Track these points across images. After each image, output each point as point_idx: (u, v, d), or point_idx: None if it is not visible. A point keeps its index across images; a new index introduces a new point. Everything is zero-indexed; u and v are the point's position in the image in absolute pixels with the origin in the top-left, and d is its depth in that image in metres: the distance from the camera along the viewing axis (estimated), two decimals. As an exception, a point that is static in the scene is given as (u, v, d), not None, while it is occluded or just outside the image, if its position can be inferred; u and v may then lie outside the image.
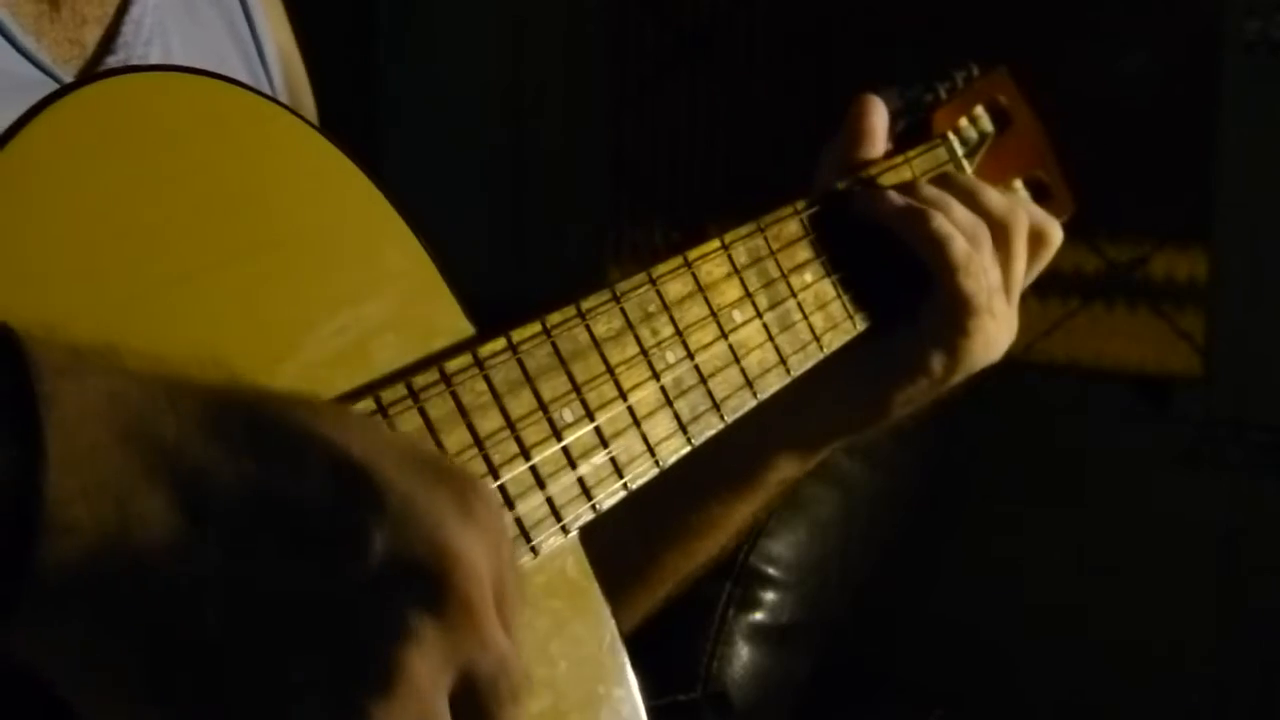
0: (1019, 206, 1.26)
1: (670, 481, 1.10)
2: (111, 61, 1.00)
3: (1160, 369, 2.87)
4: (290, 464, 0.65)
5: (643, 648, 1.03)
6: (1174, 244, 2.85)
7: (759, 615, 2.37)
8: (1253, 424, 2.74)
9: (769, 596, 2.38)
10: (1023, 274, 1.26)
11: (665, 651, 2.11)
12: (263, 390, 0.69)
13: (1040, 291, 2.86)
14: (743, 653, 2.34)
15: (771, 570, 2.39)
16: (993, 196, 1.24)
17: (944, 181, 1.25)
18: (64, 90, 0.79)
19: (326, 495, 0.65)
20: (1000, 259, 1.23)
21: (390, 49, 3.24)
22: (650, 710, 1.00)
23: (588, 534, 0.98)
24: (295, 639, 0.64)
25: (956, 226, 1.20)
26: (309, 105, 1.21)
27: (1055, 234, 1.29)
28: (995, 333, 1.23)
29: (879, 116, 1.28)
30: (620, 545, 1.19)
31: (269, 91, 1.12)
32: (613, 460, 0.99)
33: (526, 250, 3.18)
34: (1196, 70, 2.76)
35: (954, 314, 1.21)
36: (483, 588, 0.67)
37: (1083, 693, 2.84)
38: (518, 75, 3.19)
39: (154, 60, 1.02)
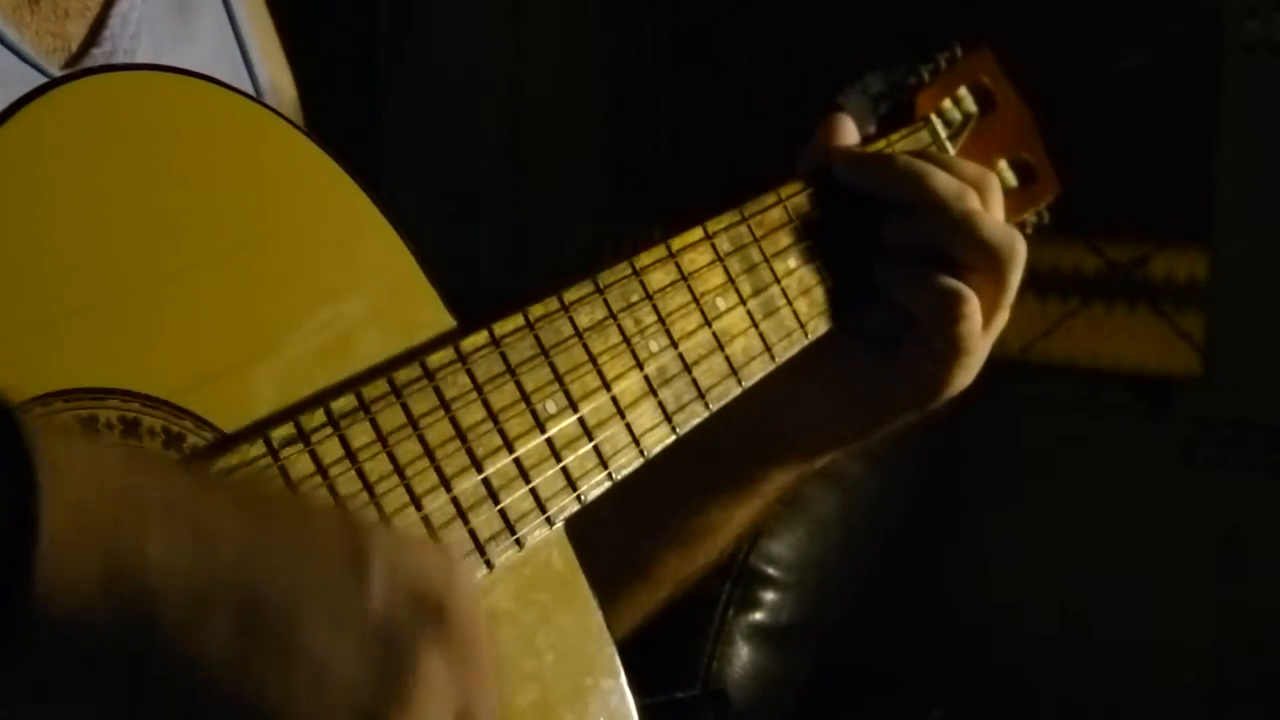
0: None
1: (671, 487, 1.11)
2: (96, 55, 1.00)
3: (1160, 369, 2.86)
4: (280, 517, 0.66)
5: (642, 646, 1.04)
6: (1174, 244, 2.84)
7: (759, 615, 2.37)
8: (1253, 424, 2.74)
9: (769, 596, 2.38)
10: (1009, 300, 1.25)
11: (665, 650, 2.10)
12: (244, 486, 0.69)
13: (1040, 291, 2.89)
14: (743, 652, 2.34)
15: (771, 570, 2.39)
16: (969, 168, 1.23)
17: (924, 157, 1.25)
18: (45, 87, 0.79)
19: (325, 535, 0.67)
20: (992, 293, 1.22)
21: (390, 49, 3.25)
22: (649, 709, 1.00)
23: (590, 535, 0.99)
24: (314, 659, 0.65)
25: (940, 192, 1.19)
26: (291, 103, 1.21)
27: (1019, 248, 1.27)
28: (976, 362, 1.22)
29: (848, 138, 1.27)
30: (621, 547, 1.20)
31: (252, 90, 1.13)
32: (597, 451, 0.99)
33: (526, 250, 3.18)
34: (1196, 70, 2.76)
35: (945, 355, 1.20)
36: (477, 621, 0.69)
37: (1082, 693, 2.84)
38: (517, 75, 3.19)
39: (140, 56, 1.02)
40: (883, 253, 1.21)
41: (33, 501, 0.60)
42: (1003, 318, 1.22)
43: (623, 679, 1.00)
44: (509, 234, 3.21)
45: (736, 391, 1.10)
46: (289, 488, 0.80)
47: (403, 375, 0.90)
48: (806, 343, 1.17)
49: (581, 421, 0.98)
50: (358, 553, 0.67)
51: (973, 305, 1.18)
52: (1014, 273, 1.21)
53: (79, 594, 0.61)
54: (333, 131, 0.92)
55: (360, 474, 0.86)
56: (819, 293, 1.19)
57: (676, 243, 1.09)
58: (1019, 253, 1.21)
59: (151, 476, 0.65)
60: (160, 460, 0.66)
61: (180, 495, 0.64)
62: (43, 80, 0.92)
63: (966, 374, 1.22)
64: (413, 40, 3.23)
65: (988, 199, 1.21)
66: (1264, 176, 2.69)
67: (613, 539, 1.03)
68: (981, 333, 1.20)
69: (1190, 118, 2.77)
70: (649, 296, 1.05)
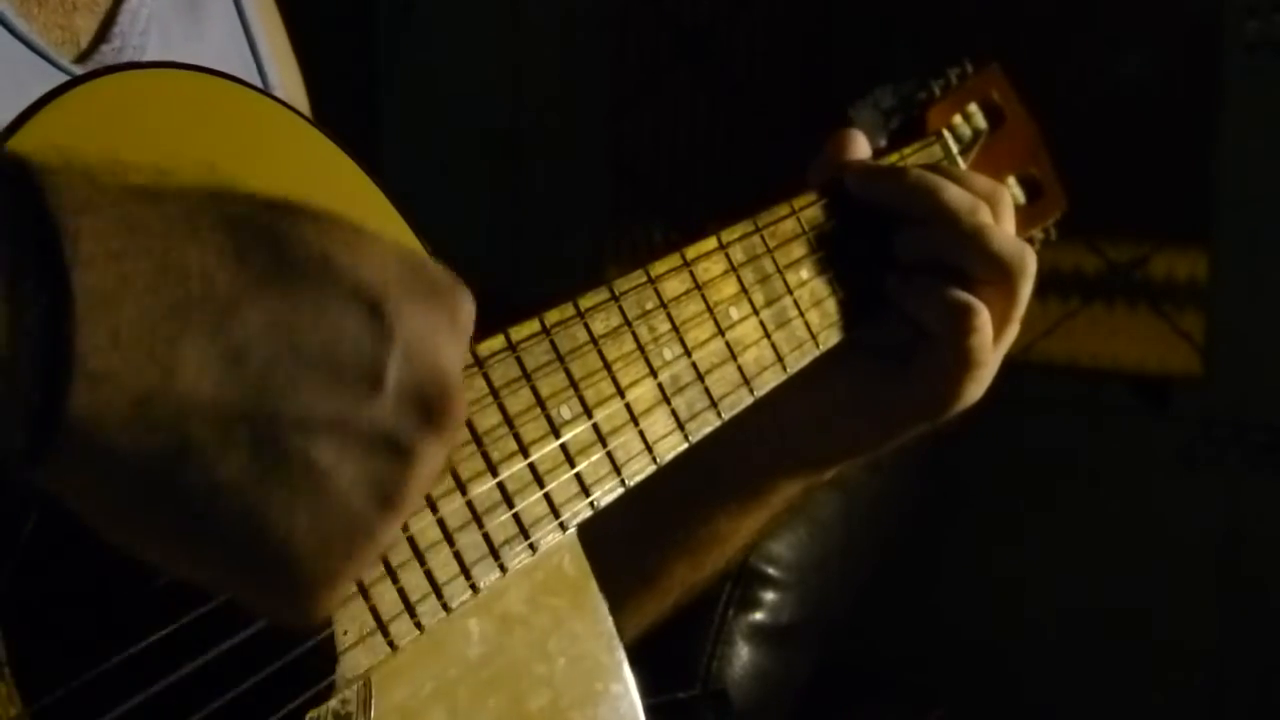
0: (1028, 250, 1.24)
1: (680, 497, 1.11)
2: (105, 51, 1.00)
3: (1160, 369, 2.87)
4: (313, 296, 0.67)
5: (643, 646, 1.04)
6: (1174, 244, 2.85)
7: (759, 615, 2.37)
8: (1253, 424, 2.74)
9: (769, 596, 2.38)
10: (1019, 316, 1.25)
11: (665, 650, 2.10)
12: (274, 204, 0.69)
13: (1040, 291, 2.87)
14: (743, 653, 2.34)
15: (771, 570, 2.39)
16: (980, 181, 1.24)
17: (937, 170, 1.25)
18: (66, 85, 0.79)
19: (348, 330, 0.68)
20: (1002, 306, 1.22)
21: (390, 49, 3.25)
22: (650, 708, 1.00)
23: (599, 544, 0.99)
24: (318, 477, 0.67)
25: (952, 205, 1.20)
26: (302, 101, 1.21)
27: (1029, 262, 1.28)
28: (987, 375, 1.22)
29: (859, 152, 1.27)
30: (630, 556, 1.20)
31: (264, 86, 1.12)
32: (610, 457, 0.99)
33: (526, 250, 3.18)
34: (1196, 70, 2.77)
35: (957, 369, 1.20)
36: (463, 400, 0.72)
37: (1082, 692, 2.84)
38: (517, 75, 3.19)
39: (150, 54, 1.02)
40: (894, 265, 1.21)
41: (70, 326, 0.60)
42: (1013, 331, 1.22)
43: (632, 684, 1.00)
44: (509, 234, 3.21)
45: (749, 401, 1.10)
46: None
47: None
48: (818, 353, 1.17)
49: (595, 428, 0.98)
50: (379, 348, 0.68)
51: (983, 318, 1.18)
52: (1024, 286, 1.21)
53: (110, 421, 0.62)
54: (331, 128, 0.92)
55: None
56: (831, 304, 1.19)
57: (691, 251, 1.09)
58: (1029, 266, 1.21)
59: (188, 265, 0.64)
60: (207, 234, 0.66)
61: (213, 292, 0.64)
62: (53, 71, 0.93)
63: (977, 386, 1.22)
64: (413, 40, 3.23)
65: (999, 213, 1.22)
66: (1264, 177, 2.69)
67: (621, 549, 1.03)
68: (992, 345, 1.20)
69: (1190, 118, 2.77)
70: (664, 305, 1.05)
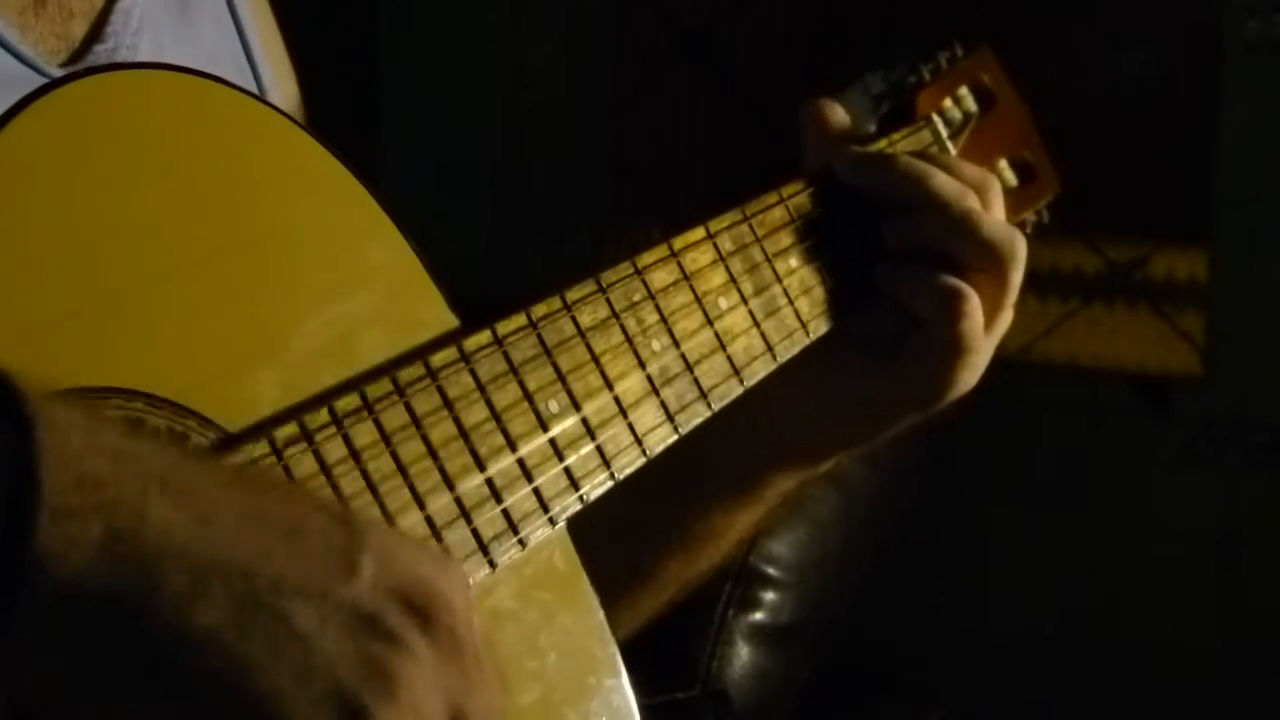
0: (1017, 234, 1.25)
1: (673, 492, 1.11)
2: (99, 51, 1.00)
3: (1160, 369, 2.87)
4: (280, 498, 0.67)
5: (643, 646, 1.04)
6: (1174, 244, 2.84)
7: (759, 615, 2.37)
8: (1253, 424, 2.74)
9: (769, 596, 2.38)
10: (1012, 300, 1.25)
11: (665, 650, 2.10)
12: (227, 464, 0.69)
13: (1040, 291, 2.89)
14: (743, 653, 2.34)
15: (771, 570, 2.39)
16: (969, 170, 1.24)
17: (925, 158, 1.25)
18: (49, 86, 0.79)
19: (317, 523, 0.67)
20: (994, 294, 1.22)
21: (390, 48, 3.25)
22: (649, 708, 1.00)
23: (591, 540, 0.99)
24: (302, 645, 0.65)
25: (941, 193, 1.20)
26: (295, 102, 1.21)
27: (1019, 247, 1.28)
28: (981, 362, 1.22)
29: (835, 119, 1.27)
30: (623, 552, 1.20)
31: (256, 89, 1.13)
32: (599, 450, 0.99)
33: (526, 250, 3.18)
34: (1196, 70, 2.76)
35: (948, 355, 1.20)
36: (467, 627, 0.69)
37: (1082, 692, 2.84)
38: (518, 75, 3.19)
39: (143, 54, 1.02)
40: (884, 253, 1.21)
41: (35, 463, 0.60)
42: (1006, 317, 1.22)
43: (625, 678, 1.00)
44: (509, 234, 3.21)
45: (739, 391, 1.10)
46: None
47: (406, 374, 0.90)
48: (808, 342, 1.17)
49: (584, 421, 0.98)
50: (350, 546, 0.67)
51: (973, 303, 1.18)
52: (1015, 271, 1.21)
53: (79, 556, 0.61)
54: (333, 131, 0.92)
55: (364, 474, 0.86)
56: (820, 292, 1.19)
57: (678, 242, 1.09)
58: (1019, 251, 1.21)
59: (152, 445, 0.65)
60: (159, 435, 0.66)
61: (180, 466, 0.65)
62: (40, 80, 0.93)
63: (970, 374, 1.22)
64: (413, 40, 3.23)
65: (988, 200, 1.22)
66: (1264, 176, 2.69)
67: (615, 546, 1.03)
68: (984, 332, 1.20)
69: (1190, 118, 2.77)
70: (651, 296, 1.05)
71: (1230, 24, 2.70)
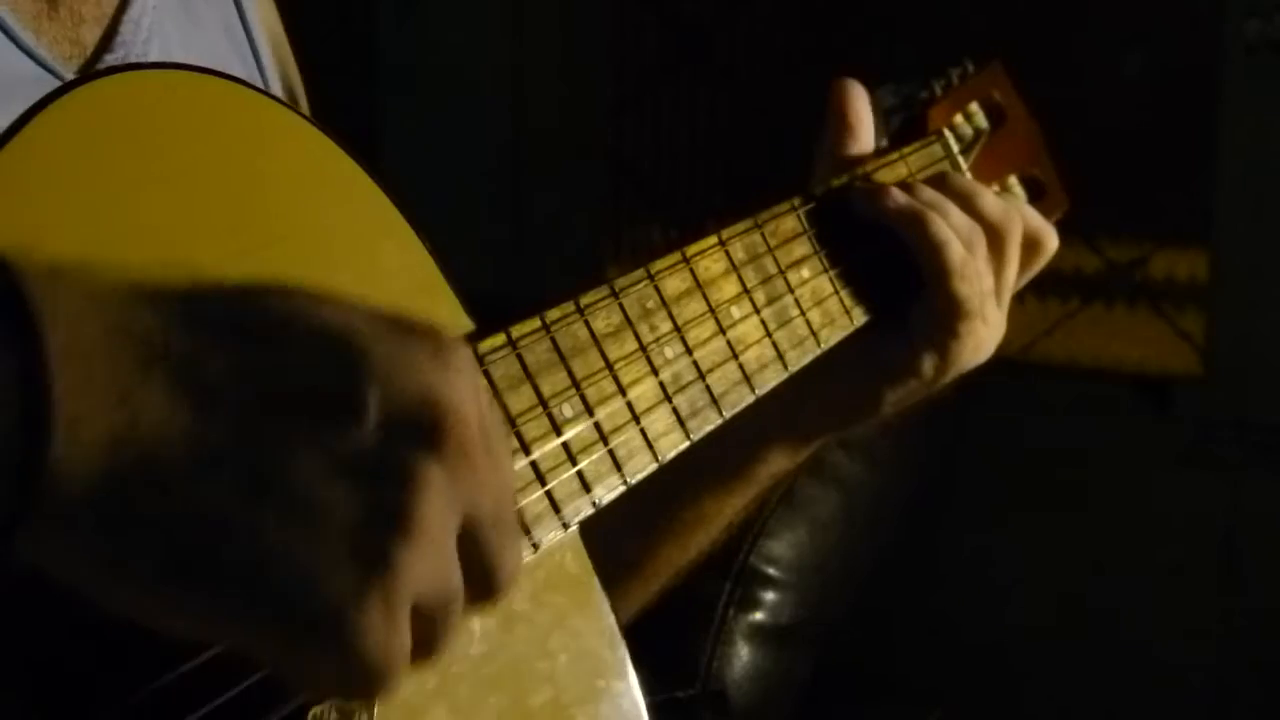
0: (1015, 211, 1.27)
1: (664, 477, 1.10)
2: (110, 60, 1.00)
3: (1160, 369, 2.87)
4: (275, 342, 0.66)
5: (643, 646, 1.04)
6: (1174, 244, 2.85)
7: (759, 615, 2.37)
8: (1253, 424, 2.75)
9: (769, 596, 2.38)
10: (1014, 279, 1.27)
11: (665, 650, 2.10)
12: (232, 283, 0.68)
13: (1040, 291, 2.89)
14: (743, 653, 2.34)
15: (771, 570, 2.39)
16: (989, 200, 1.25)
17: (941, 183, 1.26)
18: (66, 88, 0.79)
19: (315, 365, 0.66)
20: (994, 264, 1.24)
21: (390, 48, 3.25)
22: (649, 707, 1.00)
23: (585, 528, 0.99)
24: (312, 507, 0.65)
25: (953, 230, 1.21)
26: (301, 101, 1.21)
27: (1050, 240, 1.30)
28: (985, 336, 1.24)
29: (860, 101, 1.28)
30: (615, 539, 1.20)
31: (265, 88, 1.12)
32: (612, 455, 0.99)
33: (526, 250, 3.18)
34: (1196, 70, 2.77)
35: (946, 318, 1.22)
36: (472, 429, 0.68)
37: (1082, 693, 2.84)
38: (518, 75, 3.19)
39: (153, 58, 1.02)
40: (894, 264, 1.22)
41: (48, 379, 0.60)
42: (1008, 286, 1.24)
43: (634, 681, 1.01)
44: (509, 234, 3.21)
45: (750, 399, 1.11)
46: None
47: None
48: (819, 352, 1.18)
49: (597, 426, 0.98)
50: (355, 387, 0.66)
51: (972, 268, 1.21)
52: (1012, 243, 1.24)
53: (87, 466, 0.61)
54: (332, 127, 0.92)
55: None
56: (832, 303, 1.20)
57: (691, 249, 1.09)
58: (1014, 222, 1.25)
59: (153, 319, 0.64)
60: (161, 302, 0.65)
61: (178, 347, 0.64)
62: (58, 84, 0.93)
63: (974, 342, 1.23)
64: (413, 40, 3.23)
65: (1008, 240, 1.26)
66: (1264, 176, 2.69)
67: (605, 534, 1.03)
68: (983, 295, 1.21)
69: (1190, 118, 2.77)
70: (665, 304, 1.05)
71: (1230, 24, 2.70)
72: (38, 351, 0.61)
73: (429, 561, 0.67)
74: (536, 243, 3.18)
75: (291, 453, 0.65)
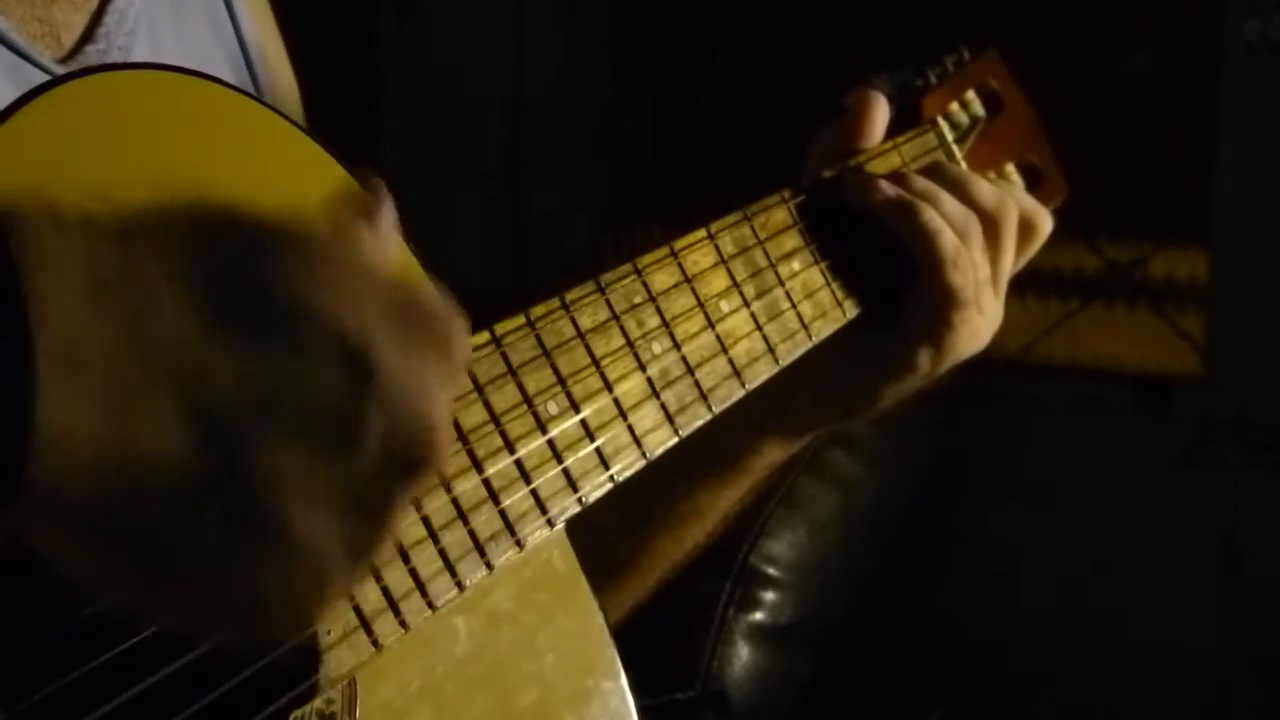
0: (1009, 198, 1.26)
1: (658, 471, 1.10)
2: (90, 53, 0.99)
3: (1160, 369, 2.86)
4: (291, 346, 0.65)
5: (643, 646, 1.03)
6: (1174, 244, 2.84)
7: (759, 615, 2.36)
8: (1253, 424, 2.74)
9: (769, 596, 2.38)
10: (1010, 266, 1.27)
11: (665, 651, 2.10)
12: (259, 241, 0.66)
13: (1040, 291, 2.89)
14: (743, 653, 2.34)
15: (771, 570, 2.38)
16: (983, 188, 1.24)
17: (934, 172, 1.25)
18: (45, 86, 0.79)
19: (325, 380, 0.66)
20: (989, 252, 1.24)
21: (389, 48, 3.24)
22: (649, 709, 1.00)
23: (577, 524, 0.98)
24: (293, 538, 0.65)
25: (946, 220, 1.20)
26: (293, 101, 1.21)
27: (1045, 223, 1.29)
28: (980, 325, 1.23)
29: (881, 112, 1.28)
30: (610, 534, 1.19)
31: (252, 88, 1.12)
32: (599, 452, 0.98)
33: (526, 250, 3.18)
34: (1196, 70, 2.76)
35: (940, 308, 1.21)
36: (448, 433, 0.70)
37: (1082, 693, 2.84)
38: (517, 75, 3.19)
39: (137, 52, 1.01)
40: (885, 254, 1.21)
41: (31, 391, 0.59)
42: (1004, 273, 1.24)
43: (623, 680, 1.00)
44: (509, 234, 3.21)
45: (740, 394, 1.10)
46: None
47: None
48: (811, 345, 1.17)
49: (583, 423, 0.98)
50: (358, 410, 0.66)
51: (965, 257, 1.20)
52: (1008, 229, 1.23)
53: (70, 480, 0.61)
54: (333, 131, 0.92)
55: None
56: (824, 295, 1.19)
57: (680, 244, 1.08)
58: (1009, 209, 1.24)
59: (155, 325, 0.63)
60: (172, 285, 0.64)
61: (183, 357, 0.63)
62: (32, 70, 0.92)
63: (969, 332, 1.22)
64: (413, 40, 3.22)
65: (1003, 226, 1.25)
66: (1264, 176, 2.69)
67: (598, 530, 1.02)
68: (978, 285, 1.21)
69: (1190, 118, 2.77)
70: (652, 298, 1.04)
71: (1230, 24, 2.69)
72: (29, 359, 0.59)
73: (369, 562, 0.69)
74: (536, 243, 3.17)
75: (281, 481, 0.64)
